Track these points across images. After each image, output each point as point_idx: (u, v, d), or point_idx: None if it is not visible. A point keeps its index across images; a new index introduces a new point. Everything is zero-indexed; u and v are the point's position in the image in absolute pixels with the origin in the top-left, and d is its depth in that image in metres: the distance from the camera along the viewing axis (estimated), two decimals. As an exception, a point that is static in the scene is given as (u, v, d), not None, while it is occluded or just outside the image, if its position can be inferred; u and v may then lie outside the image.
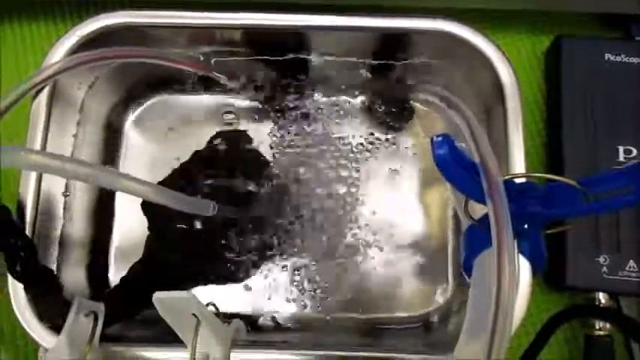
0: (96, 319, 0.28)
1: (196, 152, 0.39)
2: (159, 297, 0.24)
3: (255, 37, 0.36)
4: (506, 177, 0.26)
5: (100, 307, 0.29)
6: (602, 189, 0.25)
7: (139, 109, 0.40)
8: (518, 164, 0.31)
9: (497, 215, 0.23)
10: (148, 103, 0.40)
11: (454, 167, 0.24)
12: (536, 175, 0.28)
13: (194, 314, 0.25)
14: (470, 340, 0.26)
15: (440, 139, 0.23)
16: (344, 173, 0.39)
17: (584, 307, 0.36)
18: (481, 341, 0.22)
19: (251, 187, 0.38)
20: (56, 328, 0.29)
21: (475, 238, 0.28)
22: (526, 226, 0.27)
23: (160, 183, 0.38)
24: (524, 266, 0.30)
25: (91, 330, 0.28)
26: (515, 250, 0.29)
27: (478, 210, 0.28)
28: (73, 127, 0.35)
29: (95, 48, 0.32)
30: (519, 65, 0.43)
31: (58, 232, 0.34)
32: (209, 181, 0.38)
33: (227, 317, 0.33)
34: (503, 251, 0.22)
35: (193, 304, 0.24)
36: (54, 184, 0.34)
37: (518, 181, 0.28)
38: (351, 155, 0.39)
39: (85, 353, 0.27)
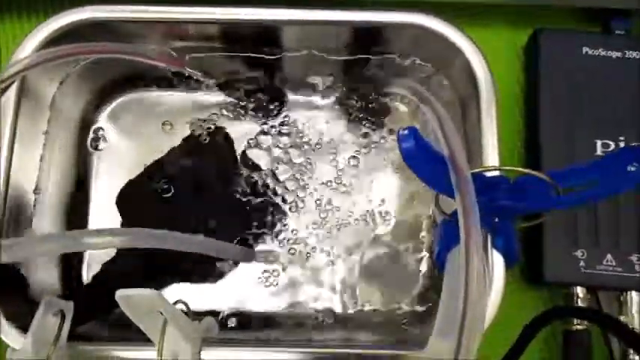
0: (63, 317, 0.28)
1: (171, 149, 0.39)
2: (122, 294, 0.23)
3: (229, 32, 0.35)
4: (476, 170, 0.26)
5: (69, 306, 0.29)
6: (573, 182, 0.25)
7: (113, 106, 0.39)
8: (492, 158, 0.31)
9: (466, 208, 0.23)
10: (122, 100, 0.39)
11: (422, 161, 0.24)
12: (506, 168, 0.28)
13: (161, 312, 0.25)
14: (441, 336, 0.25)
15: (406, 132, 0.23)
16: (320, 170, 0.39)
17: (564, 308, 0.36)
18: (452, 338, 0.22)
19: (227, 185, 0.38)
20: (26, 328, 0.29)
21: (448, 232, 0.28)
22: (497, 219, 0.27)
23: (133, 181, 0.38)
24: (497, 261, 0.30)
25: (58, 329, 0.27)
26: (489, 245, 0.29)
27: (453, 205, 0.27)
28: (44, 124, 0.35)
29: (65, 44, 0.31)
30: (498, 60, 0.42)
31: (27, 231, 0.33)
32: (182, 179, 0.38)
33: (200, 315, 0.33)
34: (471, 244, 0.22)
35: (158, 301, 0.24)
36: (24, 182, 0.33)
37: (489, 174, 0.28)
38: (328, 151, 0.39)
39: (50, 353, 0.26)
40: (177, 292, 0.36)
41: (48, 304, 0.28)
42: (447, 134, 0.25)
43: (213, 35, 0.36)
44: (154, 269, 0.36)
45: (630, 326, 0.35)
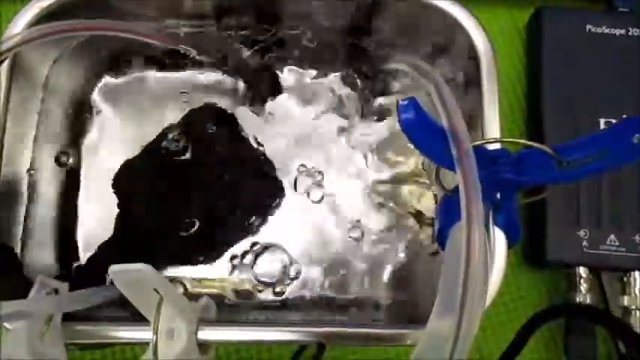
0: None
1: (165, 129, 0.38)
2: (114, 270, 0.23)
3: (225, 8, 0.35)
4: (477, 142, 0.25)
5: (63, 286, 0.29)
6: (575, 155, 0.25)
7: (108, 85, 0.38)
8: (493, 131, 0.30)
9: (467, 181, 0.22)
10: (118, 78, 0.38)
11: (422, 132, 0.23)
12: (508, 139, 0.28)
13: (156, 290, 0.25)
14: (442, 314, 0.25)
15: (406, 102, 0.23)
16: (320, 150, 0.38)
17: (565, 307, 0.35)
18: (453, 316, 0.21)
19: (224, 166, 0.38)
20: (21, 308, 0.28)
21: (449, 209, 0.27)
22: (499, 195, 0.26)
23: (129, 161, 0.37)
24: (499, 238, 0.29)
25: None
26: (491, 222, 0.28)
27: (454, 180, 0.27)
28: (37, 104, 0.34)
29: (58, 21, 0.31)
30: (500, 39, 0.42)
31: (21, 211, 0.33)
32: (180, 158, 0.38)
33: (198, 296, 0.33)
34: (473, 220, 0.22)
35: (153, 277, 0.24)
36: (17, 162, 0.33)
37: (490, 148, 0.27)
38: (328, 131, 0.38)
39: (43, 332, 0.26)
40: (176, 273, 0.36)
41: (42, 284, 0.28)
42: (447, 106, 0.24)
43: (209, 11, 0.35)
44: (151, 251, 0.36)
45: (634, 307, 0.34)
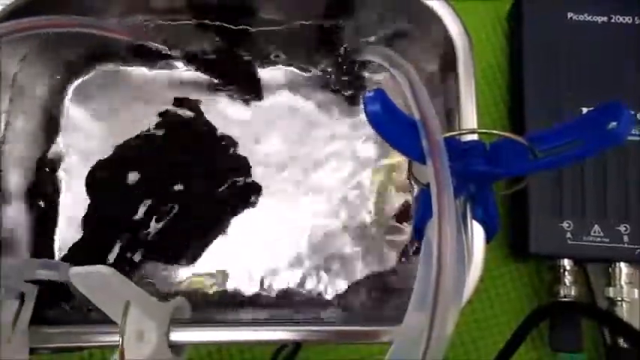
0: (22, 301, 0.27)
1: (140, 128, 0.37)
2: (75, 272, 0.22)
3: (196, 2, 0.34)
4: (449, 134, 0.24)
5: (29, 288, 0.28)
6: (550, 145, 0.24)
7: (81, 84, 0.37)
8: (471, 124, 0.29)
9: (437, 173, 0.22)
10: (90, 77, 0.37)
11: (390, 125, 0.23)
12: (480, 131, 0.27)
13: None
14: (417, 310, 0.24)
15: (372, 94, 0.22)
16: (299, 149, 0.37)
17: (562, 304, 0.35)
18: (427, 312, 0.21)
19: (202, 165, 0.37)
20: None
21: (424, 203, 0.27)
22: (475, 187, 0.25)
23: (100, 163, 0.37)
24: (477, 232, 0.29)
25: (16, 312, 0.26)
26: (469, 215, 0.27)
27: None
28: (4, 104, 0.33)
29: (20, 18, 0.30)
30: (482, 29, 0.41)
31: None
32: (155, 157, 0.37)
33: (173, 296, 0.32)
34: (444, 213, 0.21)
35: (115, 279, 0.23)
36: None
37: (465, 140, 0.26)
38: (305, 128, 0.37)
39: (7, 337, 0.25)
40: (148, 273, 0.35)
41: (9, 288, 0.27)
42: (417, 96, 0.24)
43: (181, 6, 0.34)
44: (125, 252, 0.35)
45: (619, 298, 0.34)
